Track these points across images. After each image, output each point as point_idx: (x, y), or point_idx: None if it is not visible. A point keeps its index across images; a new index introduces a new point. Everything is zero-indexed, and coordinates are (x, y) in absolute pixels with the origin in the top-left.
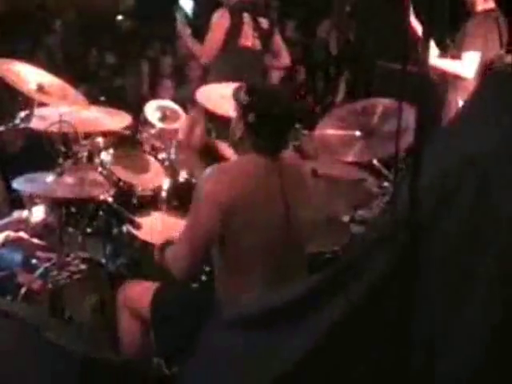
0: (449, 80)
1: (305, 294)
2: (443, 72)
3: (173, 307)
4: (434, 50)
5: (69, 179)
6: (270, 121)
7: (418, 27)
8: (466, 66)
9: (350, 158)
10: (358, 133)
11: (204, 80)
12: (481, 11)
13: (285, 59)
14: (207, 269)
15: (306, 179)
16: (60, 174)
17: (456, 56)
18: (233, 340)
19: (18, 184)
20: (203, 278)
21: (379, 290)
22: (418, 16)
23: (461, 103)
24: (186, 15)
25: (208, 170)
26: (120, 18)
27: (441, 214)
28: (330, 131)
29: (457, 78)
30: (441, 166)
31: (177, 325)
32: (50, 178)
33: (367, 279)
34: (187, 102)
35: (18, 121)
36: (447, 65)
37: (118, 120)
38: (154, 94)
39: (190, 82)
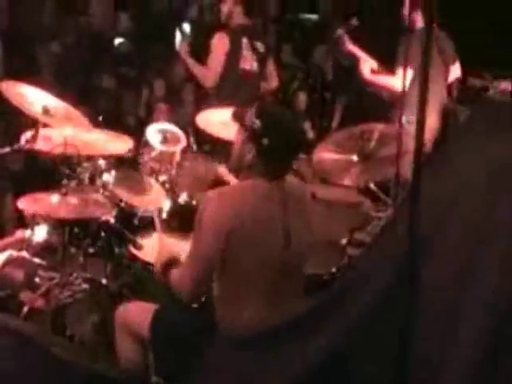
0: (395, 96)
1: (303, 315)
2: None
3: (172, 327)
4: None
5: (72, 200)
6: (284, 145)
7: None
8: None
9: (347, 182)
10: (355, 157)
11: (203, 102)
12: (420, 28)
13: (274, 82)
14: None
15: (307, 203)
16: (64, 195)
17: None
18: (232, 362)
19: (22, 203)
20: (202, 298)
21: (378, 311)
22: None
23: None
24: (187, 37)
25: (209, 195)
26: (118, 40)
27: (438, 238)
28: (328, 155)
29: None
30: (436, 193)
31: (176, 345)
32: (53, 198)
33: (366, 299)
34: (187, 125)
35: (23, 142)
36: (381, 79)
37: (120, 143)
38: (150, 117)
39: (187, 105)
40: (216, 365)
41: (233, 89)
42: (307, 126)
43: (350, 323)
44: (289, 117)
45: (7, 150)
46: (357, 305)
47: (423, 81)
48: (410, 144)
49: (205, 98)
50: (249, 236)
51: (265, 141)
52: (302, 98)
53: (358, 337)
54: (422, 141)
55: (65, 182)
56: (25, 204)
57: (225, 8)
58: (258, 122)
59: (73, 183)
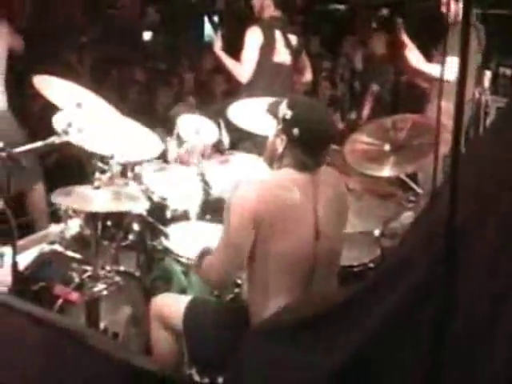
0: (434, 83)
1: (338, 306)
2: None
3: (205, 319)
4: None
5: (105, 193)
6: (315, 135)
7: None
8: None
9: (379, 173)
10: (387, 147)
11: (233, 95)
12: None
13: (308, 75)
14: (239, 281)
15: (342, 195)
16: (97, 188)
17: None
18: (265, 355)
19: (55, 197)
20: (236, 290)
21: (415, 304)
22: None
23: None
24: (217, 30)
25: (240, 185)
26: (147, 33)
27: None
28: (360, 146)
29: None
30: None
31: (209, 337)
32: (87, 191)
33: (402, 292)
34: (218, 117)
35: (56, 136)
36: (432, 69)
37: (152, 144)
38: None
39: (216, 98)
40: (248, 357)
41: (267, 83)
42: (336, 117)
43: (385, 315)
44: (320, 108)
45: (40, 144)
46: (392, 297)
47: (461, 71)
48: (443, 135)
49: (235, 91)
50: (277, 226)
51: (295, 131)
52: (330, 89)
53: (393, 330)
54: (460, 129)
55: (97, 175)
56: (58, 198)
57: (256, 1)
58: (289, 113)
59: (105, 176)
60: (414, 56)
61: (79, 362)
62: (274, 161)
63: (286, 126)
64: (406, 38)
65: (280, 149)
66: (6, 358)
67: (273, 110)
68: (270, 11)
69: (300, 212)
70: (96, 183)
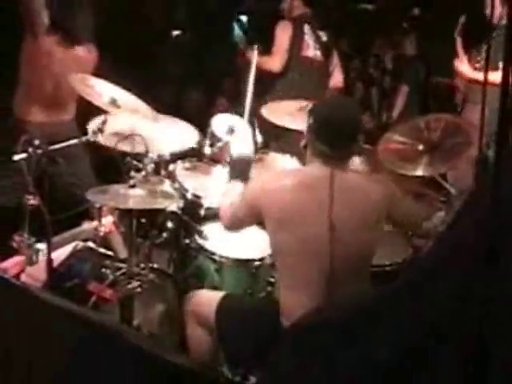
0: (473, 88)
1: (370, 307)
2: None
3: (237, 316)
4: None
5: (140, 191)
6: (327, 124)
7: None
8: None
9: (413, 173)
10: (420, 147)
11: (266, 93)
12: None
13: (338, 75)
14: (272, 280)
15: (374, 201)
16: (132, 186)
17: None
18: (303, 353)
19: (91, 195)
20: (269, 288)
21: (448, 306)
22: None
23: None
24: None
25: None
26: (176, 32)
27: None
28: (393, 146)
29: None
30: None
31: (241, 334)
32: (122, 189)
33: (437, 293)
34: (251, 116)
35: (90, 134)
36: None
37: (187, 137)
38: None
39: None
40: (280, 356)
41: (297, 77)
42: (367, 116)
43: (418, 317)
44: (341, 101)
45: (75, 141)
46: (426, 298)
47: (505, 75)
48: (476, 135)
49: (267, 90)
50: (295, 220)
51: (311, 120)
52: (360, 89)
53: (429, 331)
54: (504, 130)
55: (132, 173)
56: (93, 196)
57: (285, 1)
58: (311, 119)
59: (140, 175)
60: (464, 68)
61: (113, 358)
62: (302, 156)
63: (307, 117)
64: (460, 49)
65: (303, 141)
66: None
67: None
68: (300, 10)
69: (312, 209)
70: (131, 181)
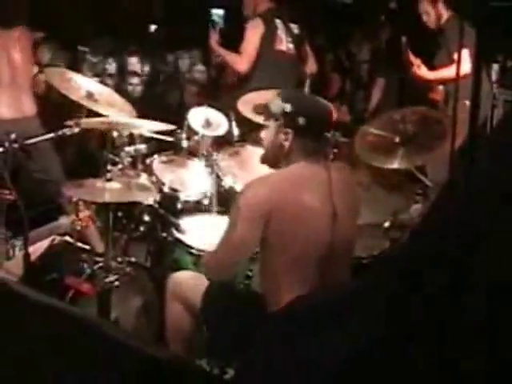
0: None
1: (354, 293)
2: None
3: (223, 304)
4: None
5: (116, 184)
6: (320, 119)
7: None
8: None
9: (389, 165)
10: (397, 140)
11: (240, 87)
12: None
13: (312, 66)
14: (249, 273)
15: (352, 186)
16: (109, 180)
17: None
18: (282, 341)
19: (66, 190)
20: (246, 281)
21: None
22: None
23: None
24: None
25: (248, 181)
26: (153, 26)
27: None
28: (370, 138)
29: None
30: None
31: (227, 323)
32: (98, 183)
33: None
34: (229, 109)
35: (67, 128)
36: (441, 74)
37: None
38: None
39: (225, 90)
40: (265, 342)
41: (270, 71)
42: (344, 109)
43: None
44: (312, 95)
45: (51, 135)
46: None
47: (476, 67)
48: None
49: (243, 82)
50: (291, 220)
51: (301, 121)
52: (336, 81)
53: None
54: (475, 122)
55: (109, 167)
56: (69, 190)
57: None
58: (288, 106)
59: (116, 168)
60: (423, 72)
61: (89, 350)
62: (278, 159)
63: (289, 119)
64: (412, 58)
65: (286, 144)
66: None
67: (271, 109)
68: (266, 5)
69: (314, 206)
70: (108, 175)
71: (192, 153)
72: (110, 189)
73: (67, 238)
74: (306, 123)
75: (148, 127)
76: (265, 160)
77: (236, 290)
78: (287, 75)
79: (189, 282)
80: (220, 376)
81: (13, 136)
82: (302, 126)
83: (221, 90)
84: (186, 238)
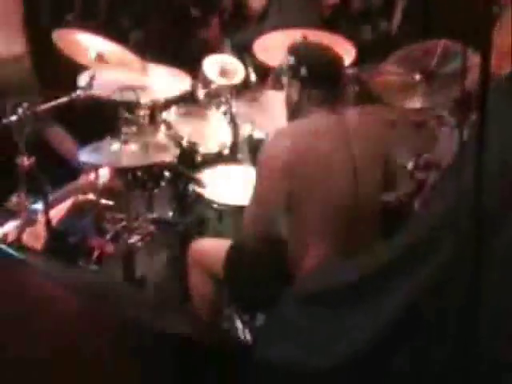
0: None
1: (371, 274)
2: None
3: (246, 264)
4: None
5: (133, 146)
6: (322, 66)
7: None
8: None
9: (411, 104)
10: (417, 77)
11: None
12: None
13: None
14: None
15: (379, 133)
16: (125, 142)
17: None
18: (301, 315)
19: (83, 155)
20: None
21: (445, 276)
22: None
23: None
24: None
25: (271, 136)
26: None
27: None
28: (389, 77)
29: None
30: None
31: (250, 282)
32: (114, 146)
33: (434, 263)
34: (242, 49)
35: (80, 90)
36: None
37: (178, 84)
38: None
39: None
40: (287, 317)
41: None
42: (367, 28)
43: (419, 285)
44: (319, 44)
45: (65, 99)
46: (425, 268)
47: None
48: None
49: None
50: (313, 174)
51: (303, 71)
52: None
53: (426, 301)
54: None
55: (124, 128)
56: (86, 155)
57: None
58: (291, 59)
59: (133, 129)
60: None
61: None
62: (294, 112)
63: (293, 71)
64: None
65: (296, 96)
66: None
67: (277, 72)
68: None
69: (335, 157)
70: (123, 137)
71: (209, 103)
72: (127, 152)
73: (90, 196)
74: (307, 73)
75: (162, 85)
76: (287, 117)
77: (258, 252)
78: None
79: (209, 248)
80: (250, 322)
81: (25, 104)
82: (305, 76)
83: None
84: (207, 193)
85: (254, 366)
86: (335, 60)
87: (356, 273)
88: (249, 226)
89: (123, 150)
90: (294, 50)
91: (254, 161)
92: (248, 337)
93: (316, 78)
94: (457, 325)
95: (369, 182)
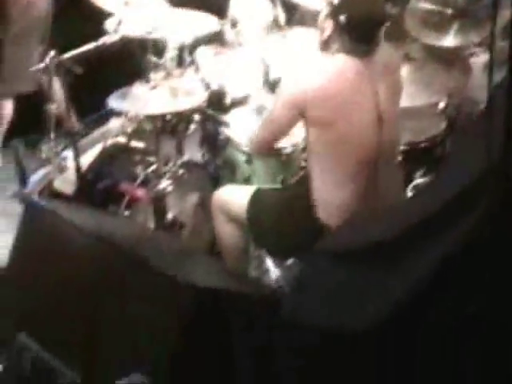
0: None
1: (402, 235)
2: None
3: (269, 208)
4: None
5: (161, 92)
6: (362, 22)
7: None
8: None
9: (442, 43)
10: (449, 12)
11: None
12: None
13: None
14: (304, 164)
15: (397, 72)
16: (153, 88)
17: None
18: (332, 272)
19: (111, 101)
20: (301, 173)
21: (475, 240)
22: None
23: None
24: None
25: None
26: None
27: None
28: (420, 13)
29: None
30: None
31: (274, 226)
32: (143, 92)
33: (462, 227)
34: None
35: (106, 36)
36: None
37: (206, 24)
38: None
39: None
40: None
41: None
42: None
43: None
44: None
45: (92, 46)
46: (454, 231)
47: None
48: None
49: None
50: (332, 113)
51: (342, 18)
52: None
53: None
54: None
55: (153, 74)
56: (114, 102)
57: None
58: (340, 15)
59: (160, 74)
60: None
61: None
62: (324, 46)
63: (333, 11)
64: None
65: (327, 34)
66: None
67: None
68: None
69: (357, 98)
70: (152, 83)
71: (236, 43)
72: (155, 99)
73: (120, 139)
74: (347, 22)
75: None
76: (318, 43)
77: (281, 190)
78: None
79: (232, 195)
80: (281, 263)
81: (52, 53)
82: (342, 24)
83: None
84: (237, 136)
85: (284, 324)
86: (377, 14)
87: (386, 232)
88: (253, 145)
89: (151, 97)
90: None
91: None
92: (279, 279)
93: (352, 31)
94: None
95: (392, 122)
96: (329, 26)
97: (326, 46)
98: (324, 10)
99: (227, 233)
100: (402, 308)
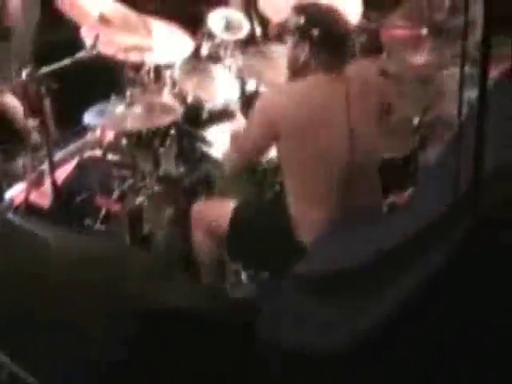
0: None
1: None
2: None
3: (250, 224)
4: None
5: (138, 109)
6: (335, 29)
7: None
8: None
9: (418, 59)
10: (424, 31)
11: None
12: None
13: None
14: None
15: (376, 84)
16: (129, 105)
17: None
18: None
19: (87, 118)
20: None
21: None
22: None
23: None
24: None
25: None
26: None
27: None
28: (396, 31)
29: None
30: None
31: (251, 240)
32: (119, 109)
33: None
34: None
35: (84, 52)
36: None
37: (182, 48)
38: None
39: None
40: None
41: None
42: None
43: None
44: (327, 5)
45: (69, 61)
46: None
47: None
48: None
49: None
50: (304, 130)
51: (315, 32)
52: None
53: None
54: None
55: (129, 89)
56: (90, 118)
57: None
58: (301, 19)
59: (137, 90)
60: None
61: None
62: (297, 70)
63: (303, 31)
64: None
65: (302, 57)
66: None
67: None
68: None
69: (328, 115)
70: (128, 99)
71: (214, 58)
72: (132, 115)
73: (96, 152)
74: (320, 34)
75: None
76: (287, 75)
77: (261, 211)
78: None
79: (210, 209)
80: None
81: (29, 67)
82: (316, 38)
83: None
84: (213, 151)
85: (259, 343)
86: (344, 23)
87: (359, 257)
88: (228, 158)
89: (128, 113)
90: (303, 10)
91: None
92: (253, 292)
93: (327, 41)
94: None
95: (366, 140)
96: (302, 49)
97: (299, 71)
98: (292, 38)
99: (204, 247)
100: (374, 333)
